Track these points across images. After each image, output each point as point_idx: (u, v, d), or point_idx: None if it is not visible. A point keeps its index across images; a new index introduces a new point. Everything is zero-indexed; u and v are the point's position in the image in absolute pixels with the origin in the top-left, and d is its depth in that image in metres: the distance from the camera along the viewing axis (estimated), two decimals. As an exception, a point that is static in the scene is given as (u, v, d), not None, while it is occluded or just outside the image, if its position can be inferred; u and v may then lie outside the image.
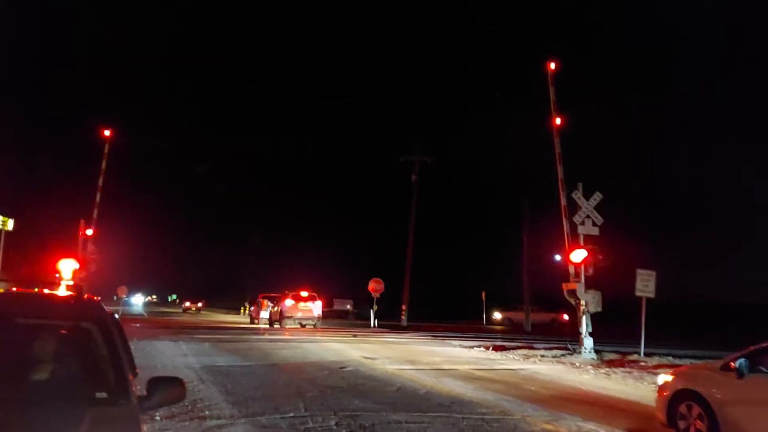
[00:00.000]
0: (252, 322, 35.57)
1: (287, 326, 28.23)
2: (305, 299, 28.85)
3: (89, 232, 26.68)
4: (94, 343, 3.52)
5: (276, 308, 30.07)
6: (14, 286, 4.75)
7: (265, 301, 34.64)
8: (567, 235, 19.41)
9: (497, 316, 45.32)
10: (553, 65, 21.65)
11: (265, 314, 33.22)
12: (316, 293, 30.11)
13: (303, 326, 28.25)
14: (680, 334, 27.93)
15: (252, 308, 39.57)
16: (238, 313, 55.67)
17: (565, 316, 42.52)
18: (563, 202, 20.10)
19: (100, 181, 27.00)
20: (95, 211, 26.92)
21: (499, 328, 40.66)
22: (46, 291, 4.24)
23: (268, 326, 30.19)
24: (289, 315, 28.30)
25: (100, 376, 3.35)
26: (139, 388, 3.53)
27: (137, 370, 4.07)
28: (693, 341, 23.78)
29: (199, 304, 66.45)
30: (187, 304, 67.35)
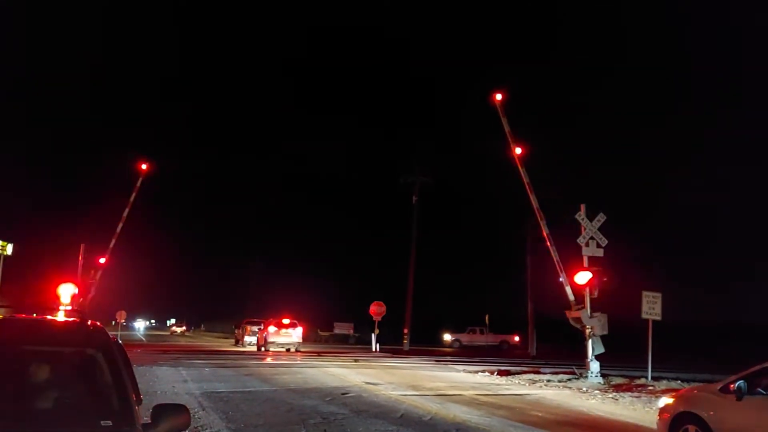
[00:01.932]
0: (237, 344, 39.48)
1: (271, 350, 30.68)
2: (287, 326, 31.55)
3: (102, 260, 26.64)
4: (98, 369, 3.42)
5: (262, 334, 32.90)
6: (13, 312, 4.65)
7: (249, 326, 38.78)
8: (557, 263, 19.44)
9: (447, 338, 44.85)
10: (499, 96, 21.52)
11: (248, 338, 37.48)
12: (297, 320, 32.67)
13: (288, 350, 30.71)
14: (688, 356, 27.63)
15: (237, 331, 43.33)
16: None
17: (516, 338, 43.53)
18: (545, 231, 20.13)
19: (125, 213, 27.13)
20: (113, 241, 26.97)
21: (449, 350, 40.22)
22: (49, 317, 4.14)
23: (255, 350, 32.58)
24: (273, 340, 31.06)
25: (105, 404, 3.25)
26: (143, 415, 3.43)
27: (141, 396, 3.97)
28: (702, 364, 23.49)
29: (183, 328, 78.40)
30: (174, 328, 78.88)
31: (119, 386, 3.34)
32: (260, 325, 38.10)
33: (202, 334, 76.43)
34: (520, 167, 20.58)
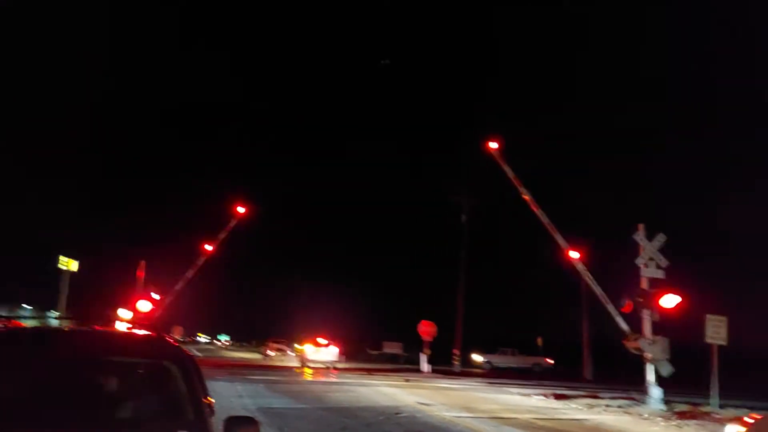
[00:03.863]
0: (264, 359, 46.68)
1: (310, 366, 33.13)
2: (323, 345, 35.05)
3: (177, 287, 27.62)
4: (173, 381, 3.53)
5: (302, 352, 36.48)
6: (75, 324, 4.86)
7: (272, 343, 49.57)
8: (601, 296, 19.23)
9: (478, 359, 43.51)
10: (495, 144, 21.05)
11: (270, 352, 47.23)
12: (333, 340, 36.01)
13: (327, 368, 32.98)
14: (756, 383, 26.16)
15: (262, 347, 53.73)
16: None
17: (549, 360, 42.92)
18: (578, 267, 19.95)
19: (212, 248, 27.96)
20: (191, 272, 27.84)
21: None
22: (125, 329, 4.32)
23: (299, 365, 34.83)
24: (311, 358, 34.06)
25: (181, 414, 3.35)
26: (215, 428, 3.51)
27: (213, 408, 4.07)
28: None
29: (227, 342, 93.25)
30: (218, 343, 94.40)
31: (194, 398, 3.44)
32: (280, 342, 49.65)
33: (253, 348, 77.96)
34: (536, 210, 20.30)
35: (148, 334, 4.05)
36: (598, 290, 19.33)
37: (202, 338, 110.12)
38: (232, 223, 28.11)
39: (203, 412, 3.43)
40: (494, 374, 35.62)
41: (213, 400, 3.95)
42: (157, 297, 27.46)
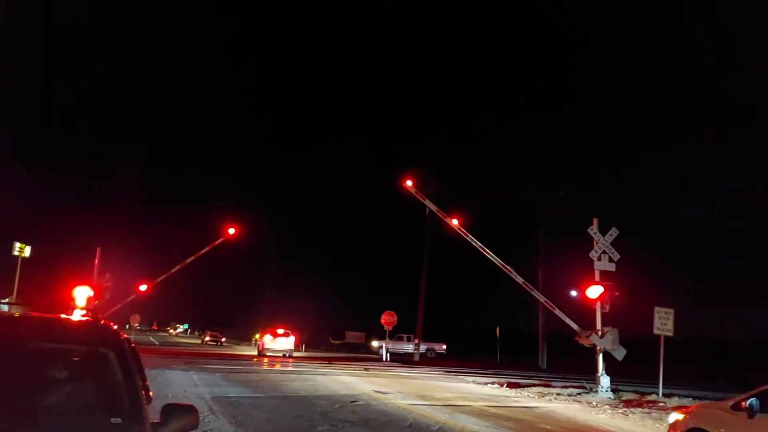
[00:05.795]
0: (202, 344, 53.72)
1: (268, 355, 34.20)
2: (281, 335, 35.53)
3: (143, 287, 27.19)
4: (110, 368, 3.49)
5: (261, 341, 37.57)
6: (29, 311, 4.76)
7: (209, 332, 59.51)
8: (546, 303, 19.63)
9: (375, 344, 44.70)
10: (410, 182, 21.41)
11: (207, 339, 56.61)
12: (290, 330, 36.59)
13: (284, 356, 34.00)
14: (703, 373, 27.25)
15: (201, 335, 63.71)
16: (250, 344, 56.02)
17: (443, 346, 45.69)
18: (518, 279, 20.42)
19: (190, 259, 27.60)
20: (163, 276, 27.46)
21: (369, 356, 39.86)
22: (63, 315, 4.23)
23: (256, 354, 36.29)
24: (269, 347, 34.84)
25: (115, 402, 3.32)
26: (151, 415, 3.49)
27: (150, 395, 4.04)
28: (717, 381, 23.16)
29: (181, 332, 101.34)
30: (171, 331, 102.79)
31: (130, 385, 3.41)
32: (215, 332, 57.89)
33: (198, 336, 77.36)
34: (466, 236, 20.67)
35: (85, 320, 3.97)
36: (541, 298, 19.76)
37: (180, 328, 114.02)
38: (218, 241, 28.13)
39: (139, 399, 3.40)
40: (454, 363, 36.14)
41: (150, 387, 3.92)
42: (110, 284, 26.92)
